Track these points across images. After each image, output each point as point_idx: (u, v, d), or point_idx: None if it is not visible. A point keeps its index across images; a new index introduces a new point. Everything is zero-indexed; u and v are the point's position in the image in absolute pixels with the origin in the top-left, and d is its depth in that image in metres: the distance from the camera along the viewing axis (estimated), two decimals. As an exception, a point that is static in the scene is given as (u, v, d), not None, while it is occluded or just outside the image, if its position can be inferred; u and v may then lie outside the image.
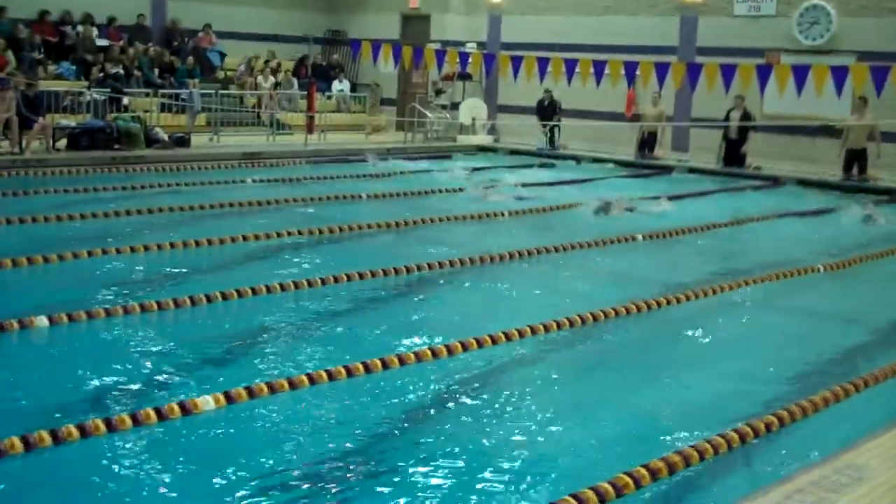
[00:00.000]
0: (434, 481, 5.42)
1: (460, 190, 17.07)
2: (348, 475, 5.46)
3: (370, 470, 5.54)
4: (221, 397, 6.32)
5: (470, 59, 21.80)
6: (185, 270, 10.15)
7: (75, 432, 5.68)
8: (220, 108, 22.58)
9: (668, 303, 9.53)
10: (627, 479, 5.28)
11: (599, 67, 19.65)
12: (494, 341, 7.91)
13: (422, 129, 25.21)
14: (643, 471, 5.38)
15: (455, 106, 26.09)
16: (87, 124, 19.25)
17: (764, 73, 18.05)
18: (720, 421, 6.36)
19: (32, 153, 17.68)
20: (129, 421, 5.88)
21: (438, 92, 26.42)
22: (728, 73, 18.15)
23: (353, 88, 27.68)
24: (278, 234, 11.94)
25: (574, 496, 5.02)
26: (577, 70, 19.61)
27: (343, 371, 6.92)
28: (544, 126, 24.08)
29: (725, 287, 10.27)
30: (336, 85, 26.96)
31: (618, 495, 5.16)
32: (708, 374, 7.62)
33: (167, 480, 5.30)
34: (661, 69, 19.01)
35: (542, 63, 20.04)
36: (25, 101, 17.92)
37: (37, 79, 19.91)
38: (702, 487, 5.58)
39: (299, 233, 12.20)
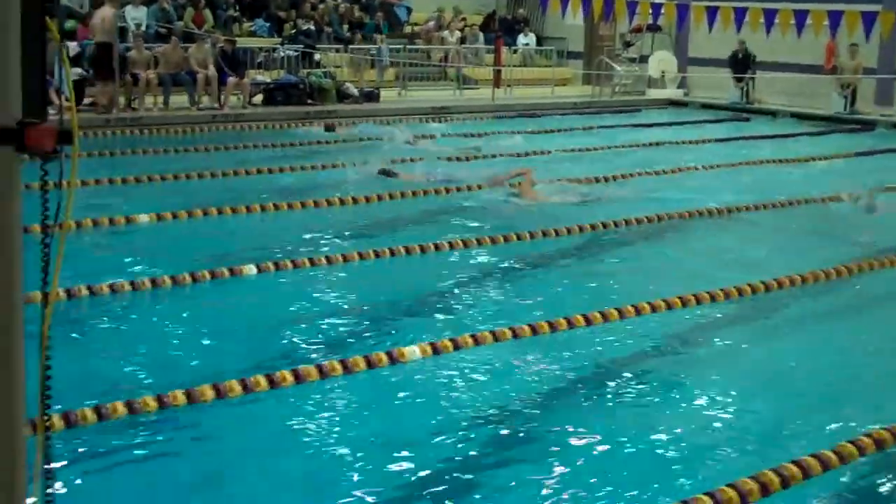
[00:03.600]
0: (616, 447, 5.25)
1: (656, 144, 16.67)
2: (532, 424, 5.42)
3: (556, 423, 5.45)
4: (428, 347, 6.32)
5: (662, 10, 21.13)
6: (383, 221, 10.23)
7: (289, 377, 5.78)
8: (407, 63, 22.74)
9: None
10: (831, 454, 4.96)
11: (801, 18, 18.67)
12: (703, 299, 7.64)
13: (609, 82, 24.70)
14: (851, 447, 5.04)
15: (643, 59, 25.42)
16: (281, 80, 19.73)
17: None
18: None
19: (231, 108, 18.25)
20: (339, 368, 5.95)
21: (627, 44, 25.81)
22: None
23: (539, 42, 27.34)
24: (469, 188, 11.89)
25: (775, 471, 4.73)
26: (777, 21, 18.71)
27: (528, 329, 6.80)
28: (738, 79, 23.17)
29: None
30: (521, 39, 26.69)
31: (824, 469, 4.85)
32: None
33: (373, 426, 5.36)
34: (868, 19, 17.91)
35: (739, 13, 19.22)
36: (224, 58, 18.49)
37: (233, 36, 20.53)
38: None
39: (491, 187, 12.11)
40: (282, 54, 20.94)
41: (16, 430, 1.86)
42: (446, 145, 15.77)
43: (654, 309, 7.40)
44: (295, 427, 5.31)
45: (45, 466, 2.02)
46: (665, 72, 24.74)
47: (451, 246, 9.09)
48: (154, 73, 17.75)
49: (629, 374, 6.26)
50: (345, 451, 5.03)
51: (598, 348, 6.69)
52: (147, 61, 17.82)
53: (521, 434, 5.34)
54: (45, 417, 2.04)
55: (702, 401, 5.91)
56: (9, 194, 1.84)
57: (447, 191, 11.74)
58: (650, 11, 21.39)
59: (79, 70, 17.17)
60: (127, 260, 8.24)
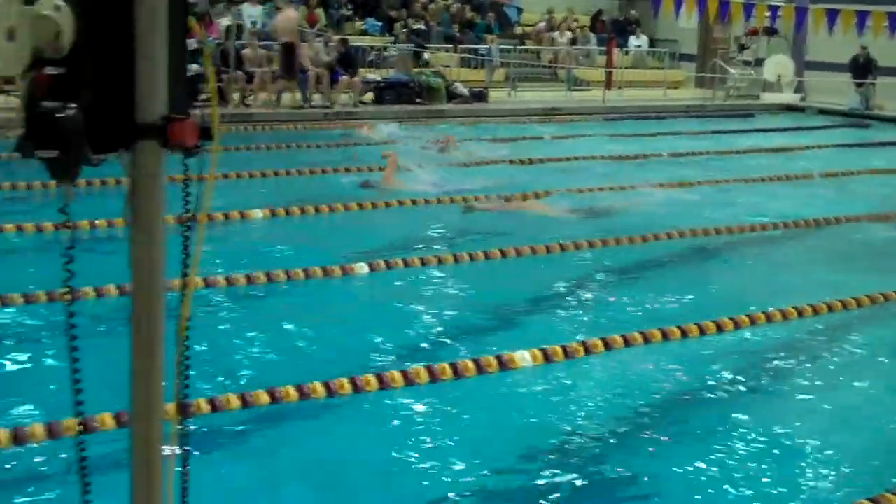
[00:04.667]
0: (728, 462, 5.10)
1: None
2: (645, 432, 5.34)
3: (666, 435, 5.33)
4: (539, 354, 6.25)
5: (780, 13, 20.63)
6: (493, 222, 10.19)
7: (399, 378, 5.78)
8: (517, 64, 22.67)
9: None
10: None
11: (928, 21, 18.06)
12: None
13: (723, 86, 24.21)
14: None
15: (759, 62, 24.84)
16: (391, 79, 19.86)
17: None
18: None
19: (342, 106, 18.43)
20: (449, 371, 5.92)
21: (742, 47, 25.25)
22: None
23: (651, 44, 26.98)
24: (580, 190, 11.76)
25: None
26: (901, 24, 18.12)
27: (640, 337, 6.66)
28: (858, 85, 22.47)
29: None
30: (633, 40, 26.37)
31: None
32: None
33: (478, 429, 5.31)
34: None
35: (861, 17, 18.66)
36: (337, 57, 18.68)
37: (345, 35, 20.76)
38: None
39: (600, 189, 11.96)
40: (392, 53, 21.10)
41: (155, 417, 1.89)
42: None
43: (769, 319, 7.21)
44: (404, 427, 5.30)
45: (181, 451, 2.04)
46: (781, 76, 24.13)
47: (562, 248, 8.99)
48: (268, 71, 18.04)
49: (742, 387, 6.10)
50: (451, 453, 4.99)
51: (710, 360, 6.51)
52: (261, 59, 18.12)
53: (625, 443, 5.25)
54: (182, 403, 2.06)
55: (830, 408, 5.75)
56: (154, 187, 1.86)
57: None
58: (767, 14, 20.91)
59: (195, 66, 17.55)
60: (242, 254, 8.37)
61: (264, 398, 5.39)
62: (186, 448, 2.07)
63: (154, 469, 1.90)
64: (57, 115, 1.72)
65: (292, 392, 5.48)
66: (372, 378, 5.71)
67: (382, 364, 6.05)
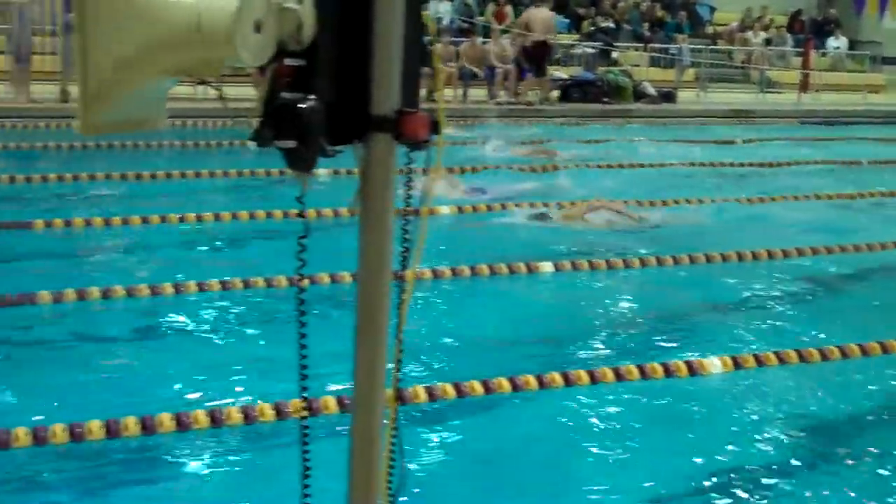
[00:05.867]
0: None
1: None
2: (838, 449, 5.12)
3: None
4: (729, 361, 6.08)
5: None
6: (681, 225, 9.98)
7: (585, 376, 5.72)
8: (708, 64, 22.15)
9: None
10: None
11: None
12: None
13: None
14: None
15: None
16: (578, 77, 19.76)
17: None
18: None
19: (528, 104, 18.46)
20: (636, 372, 5.83)
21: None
22: None
23: (851, 46, 25.83)
24: (761, 200, 11.37)
25: None
26: None
27: (837, 352, 6.33)
28: None
29: None
30: (832, 42, 25.34)
31: None
32: None
33: (676, 435, 5.20)
34: None
35: None
36: (525, 54, 18.73)
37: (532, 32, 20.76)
38: None
39: (795, 198, 11.52)
40: (579, 51, 20.97)
41: (376, 404, 1.93)
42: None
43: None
44: (587, 428, 5.25)
45: (396, 440, 2.07)
46: None
47: (755, 256, 8.70)
48: (455, 67, 18.23)
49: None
50: (636, 456, 4.92)
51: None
52: (449, 55, 18.34)
53: (817, 456, 5.06)
54: (397, 391, 2.10)
55: None
56: (386, 180, 1.89)
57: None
58: None
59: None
60: (432, 248, 8.47)
61: (450, 391, 5.44)
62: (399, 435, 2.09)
63: (373, 456, 1.93)
64: (298, 106, 1.77)
65: (477, 386, 5.51)
66: (557, 376, 5.67)
67: (562, 362, 6.02)
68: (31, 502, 4.25)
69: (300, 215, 1.92)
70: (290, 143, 1.78)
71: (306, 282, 2.23)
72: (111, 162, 11.42)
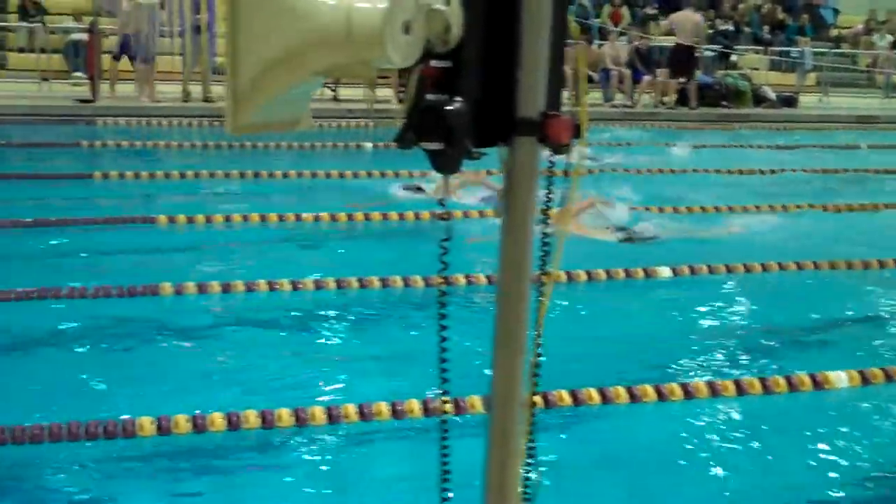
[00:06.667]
0: None
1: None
2: None
3: None
4: (856, 375, 5.88)
5: None
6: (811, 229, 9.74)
7: (704, 388, 5.60)
8: (830, 68, 21.54)
9: None
10: None
11: None
12: None
13: None
14: None
15: None
16: (696, 80, 19.40)
17: None
18: None
19: (643, 107, 18.23)
20: (758, 385, 5.68)
21: None
22: None
23: (984, 49, 24.81)
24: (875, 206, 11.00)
25: None
26: None
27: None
28: None
29: None
30: (963, 45, 24.38)
31: None
32: None
33: (798, 450, 5.05)
34: None
35: None
36: (639, 55, 18.50)
37: (648, 34, 20.51)
38: None
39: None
40: (697, 54, 20.60)
41: (513, 406, 1.93)
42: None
43: None
44: (701, 436, 5.15)
45: (531, 444, 2.06)
46: None
47: (881, 265, 8.41)
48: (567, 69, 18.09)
49: None
50: (745, 471, 4.80)
51: None
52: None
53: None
54: (533, 396, 2.09)
55: None
56: (530, 182, 1.87)
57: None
58: None
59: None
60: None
61: (567, 399, 5.38)
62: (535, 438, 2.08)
63: (511, 458, 1.93)
64: (445, 108, 1.76)
65: (594, 395, 5.44)
66: (676, 387, 5.57)
67: (679, 370, 5.91)
68: (157, 489, 4.36)
69: (442, 217, 1.91)
70: (436, 145, 1.77)
71: (443, 283, 2.23)
72: (236, 161, 11.75)
